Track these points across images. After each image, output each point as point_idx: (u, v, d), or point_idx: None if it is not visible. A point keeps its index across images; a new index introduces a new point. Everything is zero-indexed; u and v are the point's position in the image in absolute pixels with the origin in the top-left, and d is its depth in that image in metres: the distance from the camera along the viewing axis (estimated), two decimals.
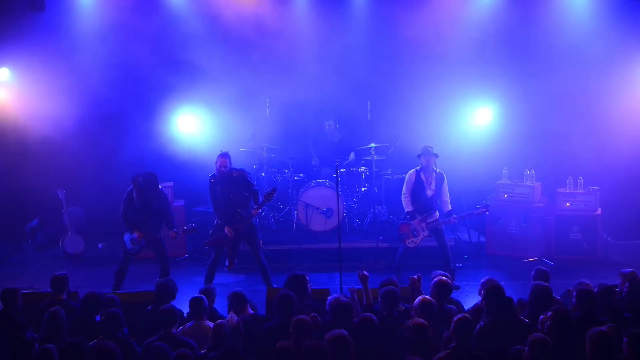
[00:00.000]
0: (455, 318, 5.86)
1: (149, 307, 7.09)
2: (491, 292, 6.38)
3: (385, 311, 6.54)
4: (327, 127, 12.08)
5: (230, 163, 9.29)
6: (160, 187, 9.34)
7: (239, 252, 9.57)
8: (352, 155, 11.71)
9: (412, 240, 9.90)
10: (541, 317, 6.12)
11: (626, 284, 7.04)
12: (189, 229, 9.37)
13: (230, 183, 9.23)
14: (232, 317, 5.93)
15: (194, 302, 6.82)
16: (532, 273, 7.37)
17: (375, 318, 6.13)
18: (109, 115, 12.07)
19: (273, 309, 6.75)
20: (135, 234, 9.17)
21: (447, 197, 9.89)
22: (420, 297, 6.58)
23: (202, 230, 10.59)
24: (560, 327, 5.83)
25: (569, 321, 5.88)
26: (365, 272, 7.08)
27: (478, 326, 6.16)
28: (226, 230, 9.19)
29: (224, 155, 9.26)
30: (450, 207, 9.88)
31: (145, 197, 9.08)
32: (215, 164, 9.28)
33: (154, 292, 7.24)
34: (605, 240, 11.22)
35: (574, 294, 6.54)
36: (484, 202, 9.97)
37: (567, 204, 11.14)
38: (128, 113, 12.12)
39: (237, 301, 6.88)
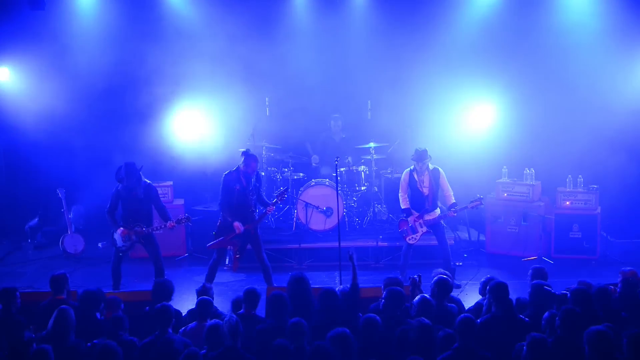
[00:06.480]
0: (458, 318, 5.86)
1: (147, 307, 7.05)
2: (496, 289, 6.38)
3: (388, 310, 6.52)
4: (333, 124, 12.08)
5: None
6: (148, 181, 9.25)
7: None
8: (349, 158, 11.69)
9: (412, 237, 9.90)
10: (546, 314, 6.12)
11: (620, 284, 7.07)
12: (182, 219, 9.28)
13: (252, 183, 9.19)
14: (232, 317, 5.93)
15: (202, 304, 6.76)
16: (529, 272, 7.38)
17: (379, 319, 6.11)
18: (109, 115, 12.07)
19: (266, 309, 6.78)
20: (120, 230, 9.10)
21: (448, 191, 9.86)
22: (419, 296, 6.60)
23: (203, 230, 10.59)
24: (570, 325, 5.82)
25: (578, 319, 5.87)
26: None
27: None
28: (236, 226, 9.10)
29: (255, 160, 9.13)
30: (453, 200, 9.84)
31: (131, 186, 9.02)
32: (245, 165, 9.07)
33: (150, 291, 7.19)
34: (605, 239, 11.22)
35: (569, 295, 6.54)
36: (478, 195, 9.93)
37: (567, 203, 11.14)
38: (128, 112, 12.10)
39: (251, 298, 6.84)
